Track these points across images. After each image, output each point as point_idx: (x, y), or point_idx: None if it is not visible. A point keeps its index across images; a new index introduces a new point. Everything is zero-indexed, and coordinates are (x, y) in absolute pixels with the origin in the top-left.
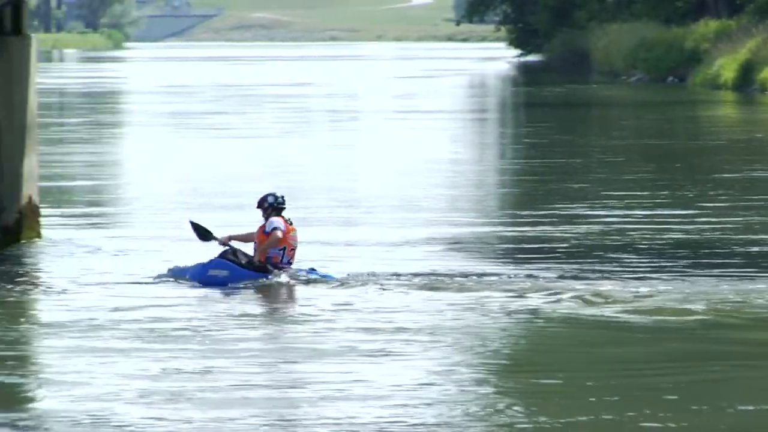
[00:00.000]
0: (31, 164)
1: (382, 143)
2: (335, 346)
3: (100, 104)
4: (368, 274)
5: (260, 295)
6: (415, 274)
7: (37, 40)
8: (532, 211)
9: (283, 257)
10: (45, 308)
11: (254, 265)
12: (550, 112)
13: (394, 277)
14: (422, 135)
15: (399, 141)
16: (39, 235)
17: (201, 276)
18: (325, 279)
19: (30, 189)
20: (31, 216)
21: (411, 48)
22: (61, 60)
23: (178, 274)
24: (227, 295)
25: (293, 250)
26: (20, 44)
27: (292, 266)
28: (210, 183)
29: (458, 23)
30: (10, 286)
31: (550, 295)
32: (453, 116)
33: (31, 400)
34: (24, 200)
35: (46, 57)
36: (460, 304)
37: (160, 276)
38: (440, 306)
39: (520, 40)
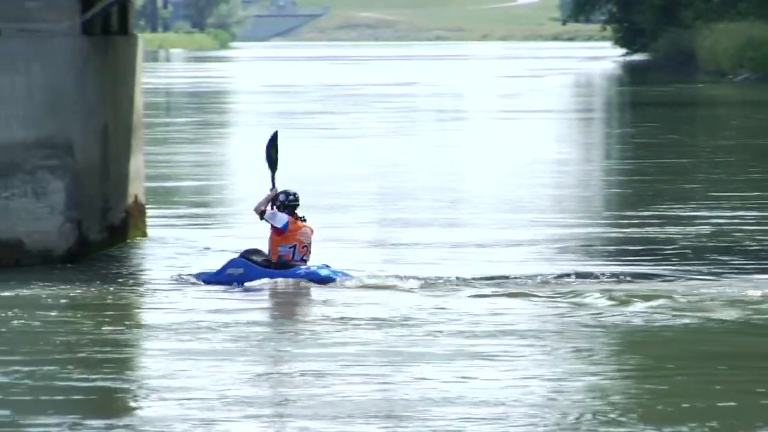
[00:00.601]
0: (137, 164)
1: (488, 143)
2: (440, 349)
3: (205, 104)
4: (460, 278)
5: (353, 299)
6: (519, 276)
7: (144, 40)
8: (639, 212)
9: (294, 254)
10: (149, 309)
11: (272, 265)
12: (657, 112)
13: (494, 278)
14: (527, 135)
15: (504, 141)
16: (145, 235)
17: (220, 275)
18: (337, 276)
19: (136, 188)
20: (137, 215)
21: (516, 47)
22: (168, 60)
23: (202, 277)
24: (326, 298)
25: (305, 246)
26: (126, 44)
27: (307, 263)
28: (315, 183)
29: (564, 22)
30: (114, 286)
31: (657, 297)
32: (558, 116)
33: (132, 405)
34: (130, 199)
35: (153, 57)
36: (564, 307)
37: (182, 278)
38: (544, 308)
39: (626, 39)
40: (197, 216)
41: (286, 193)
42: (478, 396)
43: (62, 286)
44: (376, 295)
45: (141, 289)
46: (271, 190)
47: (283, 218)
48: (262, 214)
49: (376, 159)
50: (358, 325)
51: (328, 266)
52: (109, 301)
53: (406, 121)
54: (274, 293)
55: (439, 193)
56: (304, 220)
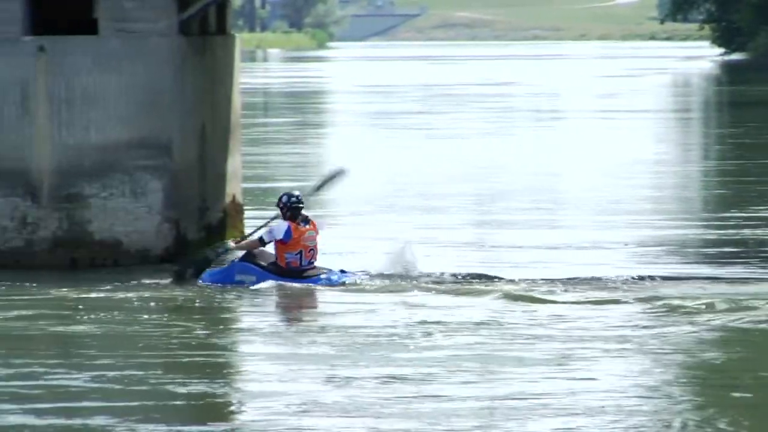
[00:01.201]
0: (234, 164)
1: (585, 143)
2: (537, 354)
3: (303, 104)
4: (555, 280)
5: (438, 303)
6: (616, 278)
7: (241, 40)
8: (739, 213)
9: (301, 260)
10: (245, 311)
11: (281, 269)
12: (756, 112)
13: (591, 280)
14: (625, 135)
15: (602, 141)
16: (242, 234)
17: (226, 278)
18: (351, 279)
19: (233, 188)
20: (235, 215)
21: (614, 47)
22: (265, 60)
23: (206, 279)
24: (417, 302)
25: (311, 250)
26: (224, 44)
27: (316, 266)
28: (413, 184)
29: (662, 21)
30: (211, 288)
31: (755, 299)
32: (656, 116)
33: (230, 410)
34: (227, 199)
35: (250, 57)
36: (662, 311)
37: (179, 278)
38: (641, 311)
39: (724, 38)
40: None
41: (289, 195)
42: (577, 403)
43: (160, 287)
44: (468, 298)
45: (238, 289)
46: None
47: (282, 229)
48: (261, 242)
49: (474, 160)
50: (452, 329)
51: (344, 271)
52: (205, 302)
53: (504, 122)
54: (366, 297)
55: (536, 194)
56: (308, 221)
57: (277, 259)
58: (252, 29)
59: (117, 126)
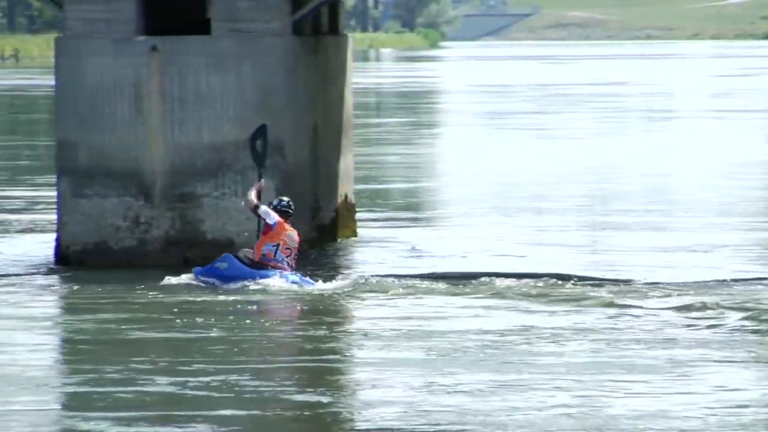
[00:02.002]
0: (346, 163)
1: (699, 144)
2: (648, 362)
3: (415, 104)
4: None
5: (546, 308)
6: (728, 281)
7: (354, 40)
8: None
9: (276, 253)
10: (356, 312)
11: (252, 262)
12: None
13: (702, 283)
14: (739, 135)
15: (715, 141)
16: (354, 234)
17: (209, 269)
18: (303, 284)
19: (346, 188)
20: (347, 215)
21: (727, 46)
22: (378, 59)
23: (196, 271)
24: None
25: (288, 248)
26: (336, 44)
27: (290, 267)
28: (525, 185)
29: None
30: (322, 288)
31: None
32: None
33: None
34: (340, 199)
35: (363, 56)
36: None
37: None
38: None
39: None
40: (407, 217)
41: (280, 199)
42: (687, 410)
43: (270, 287)
44: (573, 305)
45: (349, 289)
46: (257, 182)
47: (275, 216)
48: (256, 209)
49: (586, 160)
50: (559, 334)
51: (301, 275)
52: (316, 303)
53: (616, 122)
54: (474, 301)
55: (649, 195)
56: (292, 225)
57: (254, 253)
58: (364, 29)
59: (229, 125)
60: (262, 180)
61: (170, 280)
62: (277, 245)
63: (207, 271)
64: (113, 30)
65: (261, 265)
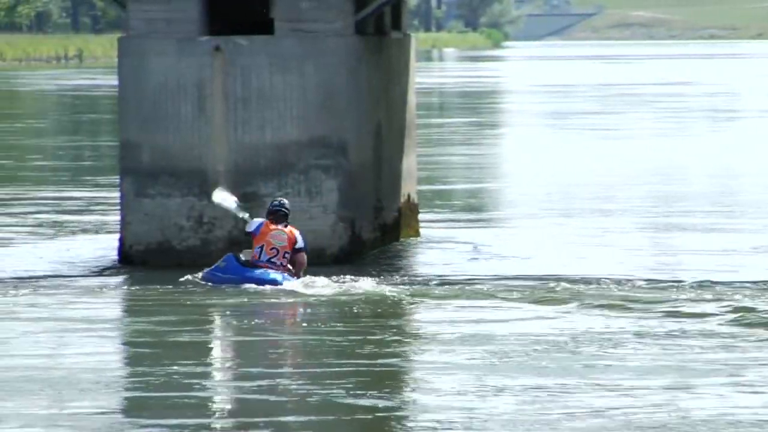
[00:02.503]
0: (409, 163)
1: (764, 144)
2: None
3: (478, 104)
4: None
5: (604, 313)
6: None
7: (417, 40)
8: None
9: (261, 254)
10: (418, 314)
11: (245, 262)
12: None
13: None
14: None
15: None
16: (417, 234)
17: (213, 269)
18: (285, 280)
19: (409, 188)
20: (410, 215)
21: None
22: (441, 59)
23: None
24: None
25: (274, 248)
26: (399, 44)
27: (279, 265)
28: (588, 186)
29: None
30: (385, 287)
31: None
32: None
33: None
34: (402, 199)
35: (426, 56)
36: None
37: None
38: None
39: None
40: (470, 218)
41: (273, 200)
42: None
43: (332, 287)
44: (635, 309)
45: (411, 288)
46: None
47: (255, 223)
48: (245, 231)
49: (650, 161)
50: (622, 338)
51: (284, 275)
52: (379, 305)
53: (680, 122)
54: (530, 304)
55: (713, 196)
56: (286, 225)
57: (251, 255)
58: (428, 29)
59: (292, 125)
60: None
61: (188, 277)
62: (261, 247)
63: (211, 271)
64: (176, 30)
65: (252, 266)
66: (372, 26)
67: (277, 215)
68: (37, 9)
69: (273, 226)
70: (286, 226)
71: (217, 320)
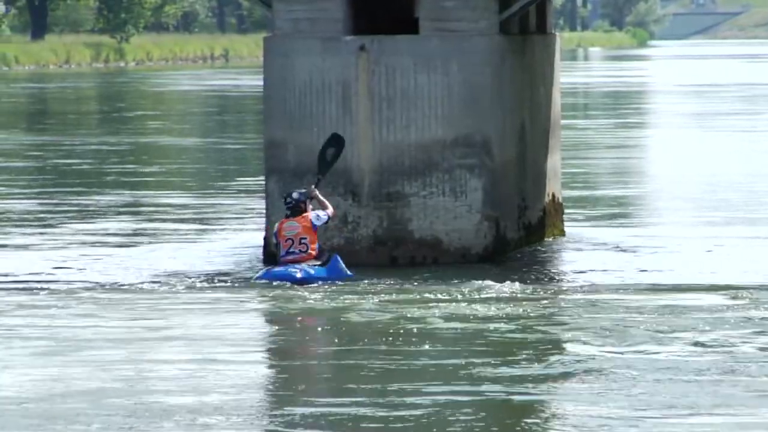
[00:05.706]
0: (554, 163)
1: None
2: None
3: (624, 104)
4: None
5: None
6: None
7: (562, 39)
8: None
9: (280, 251)
10: (559, 317)
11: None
12: None
13: None
14: None
15: None
16: (562, 233)
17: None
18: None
19: (553, 187)
20: (554, 214)
21: None
22: (586, 58)
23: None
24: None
25: (289, 239)
26: (544, 43)
27: (296, 254)
28: (736, 188)
29: None
30: (530, 288)
31: None
32: None
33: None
34: (547, 198)
35: (571, 55)
36: None
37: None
38: None
39: None
40: (615, 216)
41: (286, 195)
42: None
43: (479, 287)
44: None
45: (556, 287)
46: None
47: (274, 227)
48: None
49: None
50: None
51: (302, 267)
52: (523, 306)
53: None
54: (600, 311)
55: None
56: (299, 214)
57: None
58: (573, 28)
59: (436, 125)
60: (314, 187)
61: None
62: (278, 244)
63: (265, 274)
64: (321, 29)
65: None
66: (516, 26)
67: (294, 210)
68: (183, 9)
69: (286, 222)
70: (297, 215)
71: (364, 337)
